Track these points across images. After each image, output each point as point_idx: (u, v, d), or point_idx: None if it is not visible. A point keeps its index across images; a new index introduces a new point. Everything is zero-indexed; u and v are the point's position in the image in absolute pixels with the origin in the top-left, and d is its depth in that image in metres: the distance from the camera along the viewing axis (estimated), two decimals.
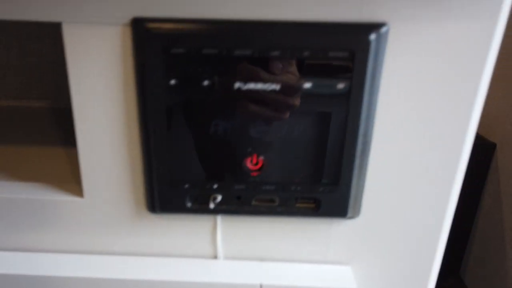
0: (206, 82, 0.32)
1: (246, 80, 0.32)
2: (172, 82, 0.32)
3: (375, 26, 0.30)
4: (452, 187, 0.35)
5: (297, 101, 0.32)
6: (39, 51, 0.59)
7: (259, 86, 0.32)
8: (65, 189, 0.39)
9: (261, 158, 0.34)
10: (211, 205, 0.36)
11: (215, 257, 0.39)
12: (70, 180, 0.41)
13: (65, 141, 0.50)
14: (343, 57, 0.31)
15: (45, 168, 0.44)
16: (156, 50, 0.31)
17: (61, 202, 0.38)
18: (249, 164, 0.35)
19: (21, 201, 0.38)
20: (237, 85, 0.32)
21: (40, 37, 0.58)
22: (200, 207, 0.36)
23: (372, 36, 0.30)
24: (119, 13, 0.31)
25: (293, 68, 0.31)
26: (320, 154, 0.34)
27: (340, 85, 0.31)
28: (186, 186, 0.35)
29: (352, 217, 0.37)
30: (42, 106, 0.63)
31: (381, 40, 0.31)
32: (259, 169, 0.35)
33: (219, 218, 0.38)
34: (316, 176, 0.35)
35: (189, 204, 0.36)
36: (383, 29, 0.30)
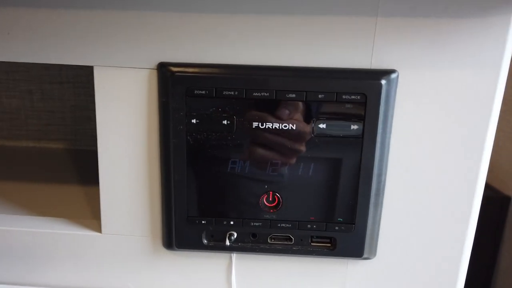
0: (225, 121, 0.34)
1: (263, 120, 0.33)
2: (194, 121, 0.34)
3: (386, 72, 0.32)
4: (467, 226, 0.36)
5: (308, 141, 0.34)
6: (60, 95, 0.62)
7: (276, 125, 0.34)
8: (83, 224, 0.40)
9: (277, 195, 0.35)
10: (227, 243, 0.36)
11: None
12: (88, 216, 0.42)
13: (82, 180, 0.52)
14: (356, 101, 0.32)
15: (63, 205, 0.45)
16: (180, 91, 0.33)
17: (79, 236, 0.39)
18: (265, 201, 0.36)
19: (40, 235, 0.39)
20: (254, 124, 0.34)
21: (61, 82, 0.61)
22: (216, 244, 0.37)
23: (383, 81, 0.32)
24: (146, 59, 0.34)
25: (306, 110, 0.33)
26: (335, 193, 0.35)
27: (354, 127, 0.33)
28: (203, 222, 0.36)
29: (368, 258, 0.37)
30: (59, 147, 0.65)
31: (392, 85, 0.33)
32: (275, 207, 0.36)
33: (234, 256, 0.38)
34: (332, 215, 0.35)
35: (205, 241, 0.37)
36: (393, 75, 0.33)
